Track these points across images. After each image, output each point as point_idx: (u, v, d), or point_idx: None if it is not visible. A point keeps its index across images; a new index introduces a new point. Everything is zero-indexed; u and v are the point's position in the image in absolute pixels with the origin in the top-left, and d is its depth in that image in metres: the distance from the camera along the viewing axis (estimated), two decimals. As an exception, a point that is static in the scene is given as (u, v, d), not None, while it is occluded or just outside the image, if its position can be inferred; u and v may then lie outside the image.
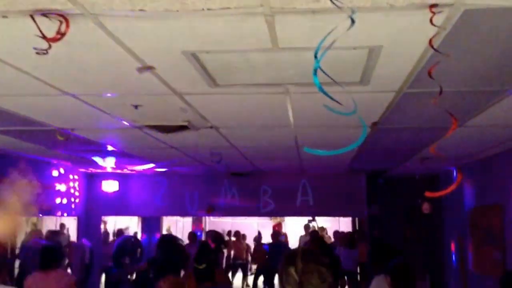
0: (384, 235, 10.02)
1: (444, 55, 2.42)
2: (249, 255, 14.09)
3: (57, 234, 10.39)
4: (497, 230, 6.54)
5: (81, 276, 9.58)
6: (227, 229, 15.43)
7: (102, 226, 11.82)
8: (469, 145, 5.92)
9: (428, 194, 2.03)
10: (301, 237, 13.98)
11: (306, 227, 13.99)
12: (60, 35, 2.11)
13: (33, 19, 2.06)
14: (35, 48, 2.19)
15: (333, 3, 1.64)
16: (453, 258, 8.75)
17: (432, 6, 2.07)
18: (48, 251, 5.41)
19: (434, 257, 9.75)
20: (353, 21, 1.69)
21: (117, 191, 10.17)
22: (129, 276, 10.23)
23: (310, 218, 15.44)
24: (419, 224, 9.87)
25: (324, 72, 1.76)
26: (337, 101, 1.84)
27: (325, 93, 1.68)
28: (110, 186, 10.10)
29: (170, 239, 5.54)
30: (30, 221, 11.54)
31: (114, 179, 10.11)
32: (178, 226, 16.57)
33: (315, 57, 1.72)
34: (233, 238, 14.73)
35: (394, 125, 4.81)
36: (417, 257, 9.53)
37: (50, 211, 8.68)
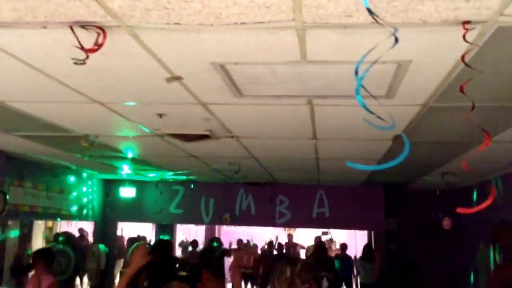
0: (402, 249, 9.83)
1: (477, 71, 2.41)
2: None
3: (73, 238, 10.47)
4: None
5: (96, 281, 9.65)
6: (243, 238, 15.21)
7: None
8: (494, 160, 5.85)
9: (460, 210, 2.00)
10: (309, 247, 13.93)
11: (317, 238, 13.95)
12: (98, 46, 2.15)
13: (72, 30, 2.11)
14: (73, 59, 2.24)
15: (375, 20, 1.65)
16: (473, 276, 8.57)
17: (465, 22, 2.07)
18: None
19: (453, 274, 9.55)
20: (396, 40, 1.70)
21: (134, 197, 10.24)
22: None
23: (326, 230, 15.35)
24: (439, 240, 9.64)
25: (364, 88, 1.77)
26: (379, 116, 1.84)
27: (367, 109, 1.70)
28: (127, 192, 10.17)
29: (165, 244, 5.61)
30: (46, 225, 11.66)
31: (131, 185, 10.18)
32: (191, 233, 16.62)
33: (356, 73, 1.73)
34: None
35: (417, 139, 4.78)
36: (436, 274, 9.36)
37: (67, 215, 8.77)
